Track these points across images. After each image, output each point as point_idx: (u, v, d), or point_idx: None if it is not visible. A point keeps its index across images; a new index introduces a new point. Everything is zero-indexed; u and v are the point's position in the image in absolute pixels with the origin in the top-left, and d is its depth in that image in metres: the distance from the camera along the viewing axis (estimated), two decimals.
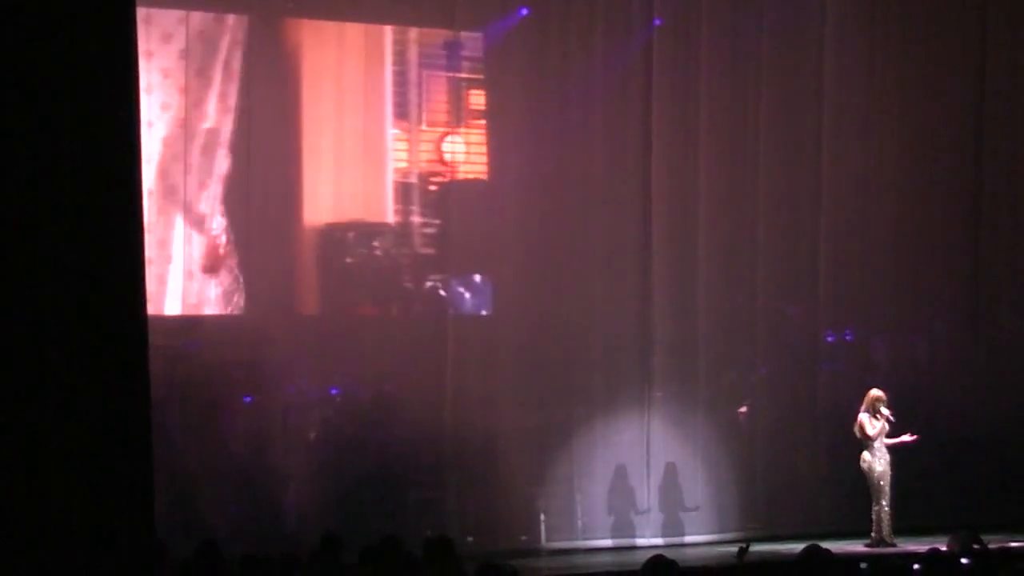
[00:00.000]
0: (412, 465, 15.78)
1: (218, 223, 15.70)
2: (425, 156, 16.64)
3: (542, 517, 16.15)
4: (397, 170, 16.52)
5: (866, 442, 15.80)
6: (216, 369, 15.30)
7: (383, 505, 15.18)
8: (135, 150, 7.01)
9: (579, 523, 16.34)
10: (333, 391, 15.96)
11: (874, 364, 17.86)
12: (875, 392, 15.94)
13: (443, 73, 16.70)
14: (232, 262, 15.74)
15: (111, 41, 7.04)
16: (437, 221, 16.64)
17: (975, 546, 12.06)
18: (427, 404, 15.79)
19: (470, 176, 16.82)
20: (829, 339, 17.68)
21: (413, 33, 16.68)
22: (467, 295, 16.77)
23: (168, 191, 15.45)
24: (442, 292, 16.59)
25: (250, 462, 15.25)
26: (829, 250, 17.45)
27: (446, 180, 16.66)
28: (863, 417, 15.82)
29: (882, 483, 15.77)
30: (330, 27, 16.40)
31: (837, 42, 17.53)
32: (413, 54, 16.63)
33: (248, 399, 15.45)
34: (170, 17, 15.42)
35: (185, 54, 15.47)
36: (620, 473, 16.49)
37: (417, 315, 16.70)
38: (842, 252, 17.55)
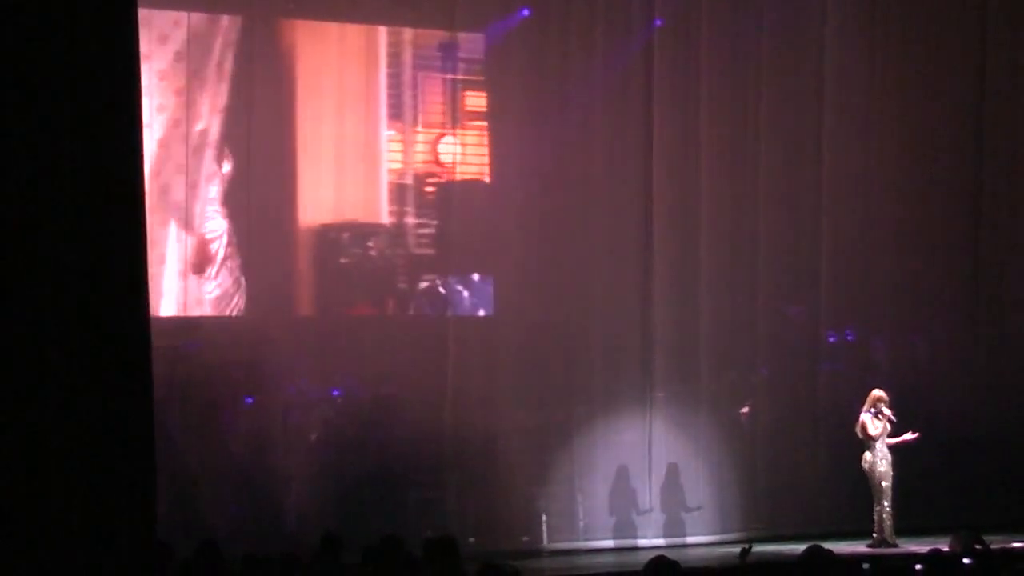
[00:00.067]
0: (412, 465, 15.79)
1: (215, 224, 15.69)
2: (421, 157, 16.64)
3: (544, 517, 16.15)
4: (393, 171, 16.53)
5: (868, 442, 15.81)
6: (216, 370, 15.31)
7: (383, 505, 15.18)
8: (137, 150, 7.00)
9: (581, 523, 16.35)
10: (334, 392, 15.96)
11: (874, 364, 17.87)
12: (877, 392, 15.94)
13: (439, 74, 16.71)
14: (231, 263, 15.74)
15: (111, 41, 7.03)
16: (435, 221, 16.64)
17: (977, 546, 12.04)
18: (427, 404, 15.79)
19: (468, 177, 16.82)
20: (830, 339, 17.69)
21: (409, 35, 16.68)
22: (467, 295, 16.78)
23: (165, 193, 15.43)
24: (442, 292, 16.59)
25: (250, 462, 15.25)
26: (829, 250, 17.46)
27: (443, 181, 16.66)
28: (865, 417, 15.82)
29: (884, 483, 15.77)
30: (325, 29, 16.41)
31: (837, 42, 17.54)
32: (408, 56, 16.64)
33: (249, 400, 15.45)
34: (166, 19, 15.42)
35: (181, 56, 15.48)
36: (622, 473, 16.50)
37: (417, 315, 16.71)
38: (843, 252, 17.56)
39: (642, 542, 16.36)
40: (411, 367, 15.79)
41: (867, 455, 15.82)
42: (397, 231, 16.60)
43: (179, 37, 15.51)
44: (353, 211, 16.45)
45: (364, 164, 16.40)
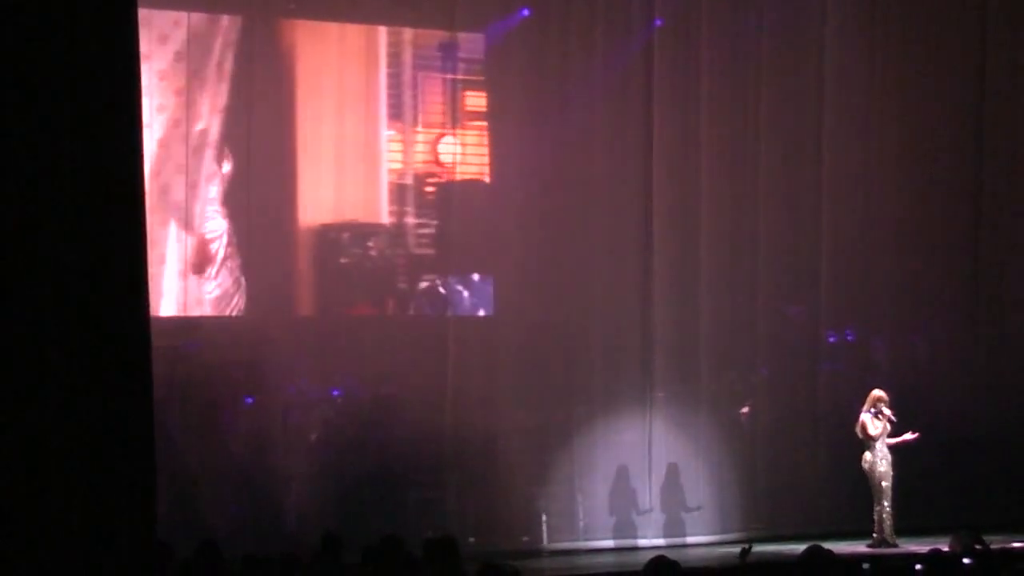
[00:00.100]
0: (412, 465, 15.79)
1: (215, 224, 15.70)
2: (421, 157, 16.65)
3: (544, 517, 16.15)
4: (393, 171, 16.53)
5: (868, 442, 15.81)
6: (216, 370, 15.31)
7: (383, 505, 15.18)
8: (137, 150, 7.00)
9: (581, 524, 16.35)
10: (334, 392, 15.96)
11: (874, 364, 17.87)
12: (877, 392, 15.94)
13: (438, 75, 16.71)
14: (231, 263, 15.74)
15: (111, 41, 7.03)
16: (435, 222, 16.65)
17: (977, 546, 12.04)
18: (427, 404, 15.79)
19: (468, 177, 16.82)
20: (830, 339, 17.69)
21: (409, 35, 16.69)
22: (467, 295, 16.78)
23: (165, 193, 15.43)
24: (442, 292, 16.59)
25: (250, 462, 15.25)
26: (829, 250, 17.46)
27: (443, 181, 16.67)
28: (865, 417, 15.82)
29: (884, 483, 15.77)
30: (325, 29, 16.41)
31: (837, 42, 17.54)
32: (408, 56, 16.64)
33: (249, 400, 15.45)
34: (166, 19, 15.42)
35: (181, 56, 15.48)
36: (622, 473, 16.50)
37: (417, 315, 16.71)
38: (842, 252, 17.56)
39: (642, 542, 16.36)
40: (411, 367, 15.79)
41: (867, 455, 15.82)
42: (397, 231, 16.61)
43: (179, 37, 15.51)
44: (353, 211, 16.45)
45: (364, 164, 16.41)
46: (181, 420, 14.88)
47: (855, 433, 15.90)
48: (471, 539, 15.31)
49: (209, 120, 15.63)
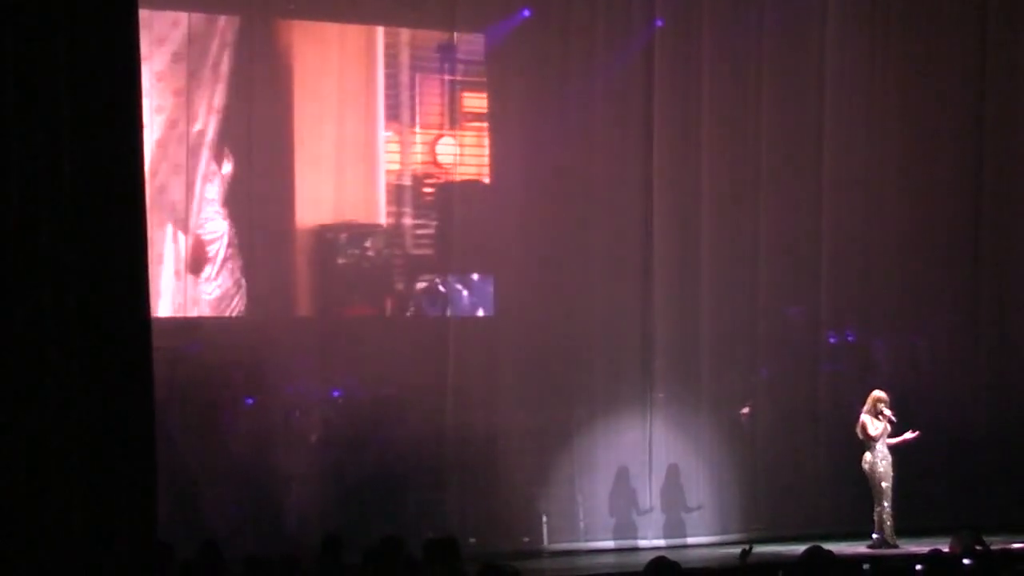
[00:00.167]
0: (413, 466, 15.77)
1: (214, 225, 15.69)
2: (420, 158, 16.65)
3: (544, 518, 16.14)
4: (391, 172, 16.53)
5: (868, 443, 15.79)
6: (216, 370, 15.30)
7: (384, 506, 15.17)
8: (137, 150, 7.01)
9: (581, 524, 16.33)
10: (334, 392, 15.95)
11: (875, 364, 17.85)
12: (877, 393, 15.93)
13: (436, 75, 16.70)
14: (231, 264, 15.73)
15: (111, 42, 7.03)
16: (434, 222, 16.64)
17: (977, 547, 12.04)
18: (428, 405, 15.79)
19: (467, 177, 16.82)
20: (831, 340, 17.68)
21: (407, 36, 16.67)
22: (467, 295, 16.77)
23: (163, 193, 15.41)
24: (442, 292, 16.58)
25: (251, 463, 15.23)
26: (830, 250, 17.45)
27: (442, 182, 16.67)
28: (865, 418, 15.81)
29: (884, 484, 15.76)
30: (324, 29, 16.40)
31: (838, 42, 17.54)
32: (406, 56, 16.63)
33: (249, 400, 15.44)
34: (164, 20, 15.40)
35: (179, 57, 15.47)
36: (622, 474, 16.49)
37: (417, 316, 16.70)
38: (843, 252, 17.55)
39: (642, 543, 16.35)
40: (411, 367, 15.78)
41: (867, 456, 15.81)
42: (396, 231, 16.60)
43: (177, 38, 15.50)
44: (352, 212, 16.44)
45: (363, 165, 16.40)
46: (181, 421, 14.87)
47: (855, 434, 15.89)
48: (471, 540, 15.29)
49: (207, 121, 15.62)
